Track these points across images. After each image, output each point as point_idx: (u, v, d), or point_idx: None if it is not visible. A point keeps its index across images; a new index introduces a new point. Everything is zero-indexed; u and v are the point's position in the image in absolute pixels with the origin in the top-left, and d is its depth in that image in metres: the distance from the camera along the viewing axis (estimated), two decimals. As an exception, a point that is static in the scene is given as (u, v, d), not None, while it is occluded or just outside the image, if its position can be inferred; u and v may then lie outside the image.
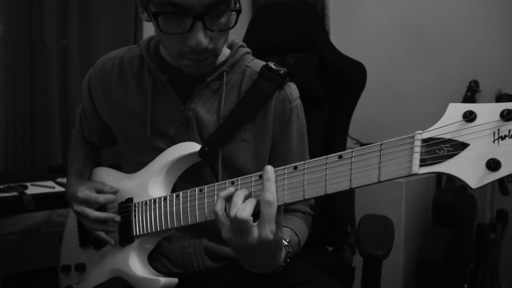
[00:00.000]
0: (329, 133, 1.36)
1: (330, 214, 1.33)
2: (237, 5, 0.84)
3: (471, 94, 2.02)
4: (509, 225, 2.02)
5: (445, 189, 2.09)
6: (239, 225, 0.71)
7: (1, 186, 1.44)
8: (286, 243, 0.83)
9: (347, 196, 1.36)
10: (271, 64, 0.95)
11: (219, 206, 0.74)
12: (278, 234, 0.73)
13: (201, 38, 0.79)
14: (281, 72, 0.94)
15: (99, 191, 1.00)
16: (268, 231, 0.70)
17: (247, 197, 0.75)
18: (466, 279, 1.98)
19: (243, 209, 0.71)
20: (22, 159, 2.35)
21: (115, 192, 0.99)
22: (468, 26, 2.17)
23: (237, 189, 0.76)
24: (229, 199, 0.75)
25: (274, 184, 0.71)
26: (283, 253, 0.80)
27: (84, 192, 0.99)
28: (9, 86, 2.28)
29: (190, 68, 0.87)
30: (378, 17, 2.49)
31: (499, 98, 0.57)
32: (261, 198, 0.70)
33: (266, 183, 0.71)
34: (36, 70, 2.37)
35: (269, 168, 0.72)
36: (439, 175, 2.24)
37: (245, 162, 0.94)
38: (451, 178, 2.18)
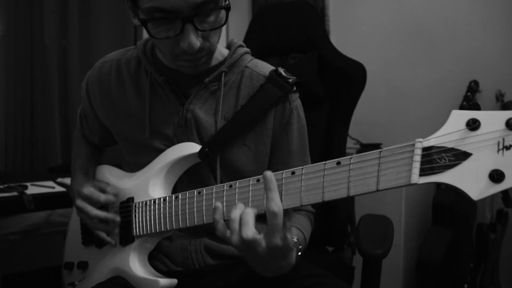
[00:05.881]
0: (329, 133, 1.36)
1: (331, 214, 1.33)
2: (226, 2, 0.83)
3: (471, 94, 2.02)
4: (509, 225, 2.02)
5: (445, 189, 2.09)
6: (246, 244, 0.69)
7: (1, 186, 1.45)
8: (295, 241, 0.83)
9: (347, 196, 1.36)
10: (281, 70, 0.94)
11: (222, 230, 0.72)
12: (287, 238, 0.71)
13: (193, 40, 0.79)
14: (290, 80, 0.93)
15: (102, 190, 1.00)
16: (278, 239, 0.69)
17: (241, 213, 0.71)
18: (466, 279, 1.98)
19: (245, 227, 0.68)
20: (22, 159, 2.36)
21: (115, 194, 0.99)
22: (468, 26, 2.17)
23: (230, 211, 0.72)
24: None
25: (278, 193, 0.68)
26: (294, 253, 0.80)
27: (88, 189, 0.98)
28: (9, 86, 2.29)
29: (186, 68, 0.88)
30: (378, 17, 2.49)
31: (505, 106, 0.55)
32: (266, 209, 0.68)
33: (269, 193, 0.68)
34: (36, 70, 2.38)
35: (269, 175, 0.68)
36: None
37: (244, 165, 0.94)
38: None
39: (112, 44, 2.52)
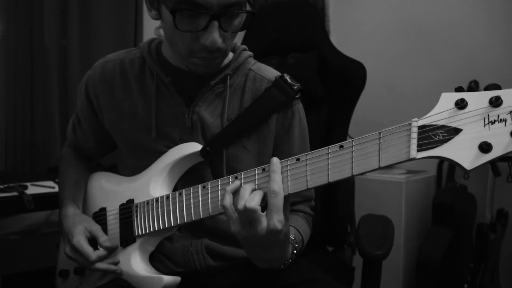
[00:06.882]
0: (329, 133, 1.36)
1: (331, 214, 1.33)
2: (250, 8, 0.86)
3: (471, 94, 2.02)
4: (509, 225, 2.02)
5: (445, 189, 2.09)
6: (248, 215, 0.73)
7: (1, 186, 1.44)
8: (292, 238, 0.85)
9: (348, 196, 1.36)
10: (287, 76, 0.96)
11: (227, 200, 0.76)
12: (287, 225, 0.75)
13: (216, 37, 0.82)
14: (295, 87, 0.95)
15: (94, 236, 0.95)
16: (276, 221, 0.72)
17: (253, 190, 0.76)
18: (466, 279, 1.98)
19: (251, 199, 0.73)
20: (22, 159, 2.35)
21: (108, 247, 0.94)
22: (468, 26, 2.17)
23: (243, 183, 0.78)
24: (235, 193, 0.77)
25: (280, 175, 0.74)
26: (290, 248, 0.82)
27: (78, 240, 0.92)
28: (9, 86, 2.28)
29: (199, 67, 0.89)
30: (378, 17, 2.49)
31: (487, 88, 0.62)
32: (268, 188, 0.73)
33: (272, 174, 0.73)
34: (36, 70, 2.37)
35: (275, 160, 0.75)
36: (438, 174, 2.25)
37: (246, 167, 0.94)
38: (451, 177, 2.17)
39: (112, 44, 2.51)
